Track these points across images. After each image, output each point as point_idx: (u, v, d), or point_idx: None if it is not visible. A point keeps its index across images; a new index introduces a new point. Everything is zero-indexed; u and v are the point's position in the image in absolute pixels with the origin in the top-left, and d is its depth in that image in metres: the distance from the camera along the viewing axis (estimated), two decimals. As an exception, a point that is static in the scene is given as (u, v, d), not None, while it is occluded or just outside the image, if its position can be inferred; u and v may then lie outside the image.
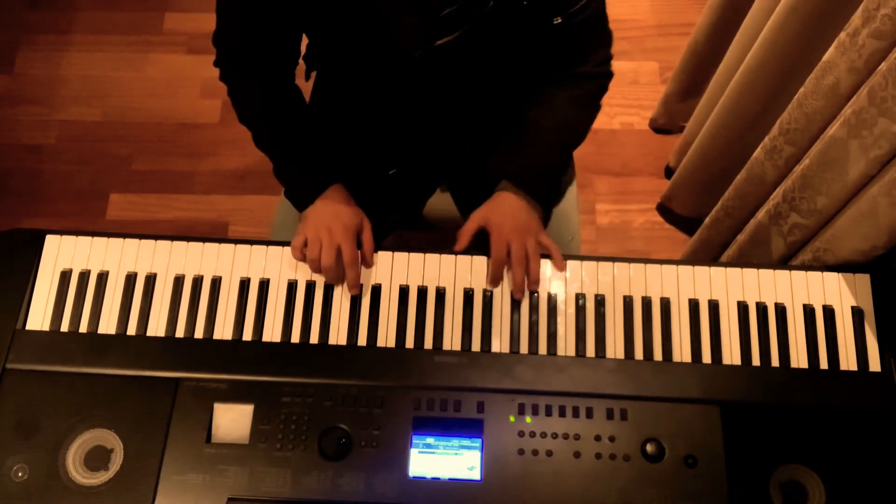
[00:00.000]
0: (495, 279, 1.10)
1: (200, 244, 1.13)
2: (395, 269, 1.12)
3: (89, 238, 1.12)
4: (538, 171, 1.18)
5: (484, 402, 1.02)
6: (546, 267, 1.12)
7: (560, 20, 1.06)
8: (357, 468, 0.98)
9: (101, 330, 1.07)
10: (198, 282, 1.10)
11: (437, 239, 1.69)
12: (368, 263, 1.12)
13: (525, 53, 1.12)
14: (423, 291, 1.10)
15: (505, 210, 1.13)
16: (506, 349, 1.07)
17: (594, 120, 1.22)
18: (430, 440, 1.00)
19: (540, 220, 1.17)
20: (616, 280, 1.11)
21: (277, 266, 1.11)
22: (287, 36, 1.12)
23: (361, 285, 1.10)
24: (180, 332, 1.07)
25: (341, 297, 1.10)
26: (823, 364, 1.06)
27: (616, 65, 1.20)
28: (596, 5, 1.09)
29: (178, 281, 1.10)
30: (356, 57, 1.09)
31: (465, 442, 1.00)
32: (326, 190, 1.14)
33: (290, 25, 1.10)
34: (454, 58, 1.04)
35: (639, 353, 1.07)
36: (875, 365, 1.06)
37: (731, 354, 1.07)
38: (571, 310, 1.09)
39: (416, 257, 1.13)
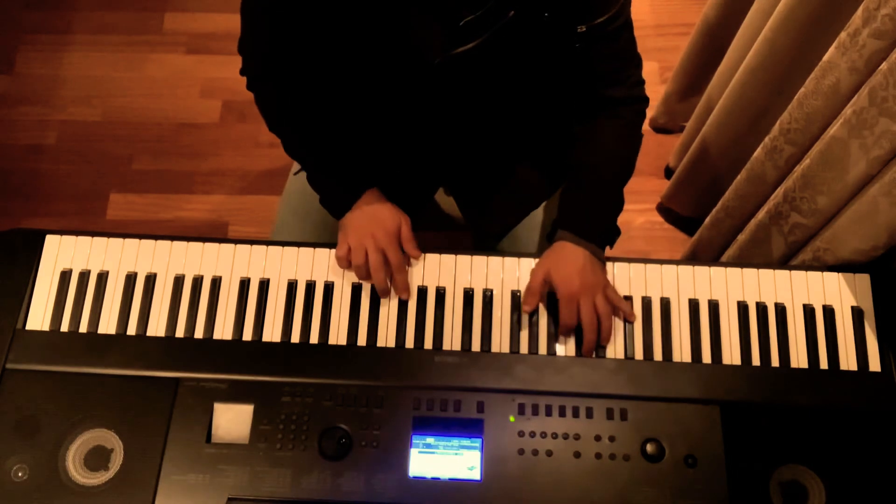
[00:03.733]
0: (565, 340, 1.08)
1: (200, 244, 1.13)
2: (395, 269, 1.12)
3: (89, 238, 1.12)
4: (594, 214, 1.13)
5: (484, 402, 1.02)
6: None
7: (584, 29, 1.03)
8: (357, 468, 0.98)
9: (101, 330, 1.07)
10: (198, 282, 1.10)
11: (438, 239, 1.69)
12: (414, 258, 1.12)
13: (550, 63, 1.09)
14: (423, 291, 1.10)
15: (569, 267, 1.07)
16: (506, 349, 1.07)
17: (639, 148, 1.18)
18: (430, 440, 1.00)
19: (604, 269, 1.11)
20: (616, 280, 1.11)
21: (277, 266, 1.11)
22: (314, 41, 1.10)
23: (362, 284, 1.11)
24: (180, 332, 1.07)
25: (341, 297, 1.10)
26: (823, 364, 1.06)
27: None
28: (625, 19, 1.06)
29: (178, 281, 1.10)
30: (372, 62, 1.08)
31: (465, 442, 1.00)
32: (363, 195, 1.13)
33: (315, 30, 1.09)
34: (474, 66, 1.03)
35: (639, 353, 1.07)
36: (875, 365, 1.06)
37: (731, 354, 1.07)
38: (571, 310, 1.09)
39: (416, 257, 1.13)
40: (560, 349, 1.07)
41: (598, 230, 1.12)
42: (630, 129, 1.15)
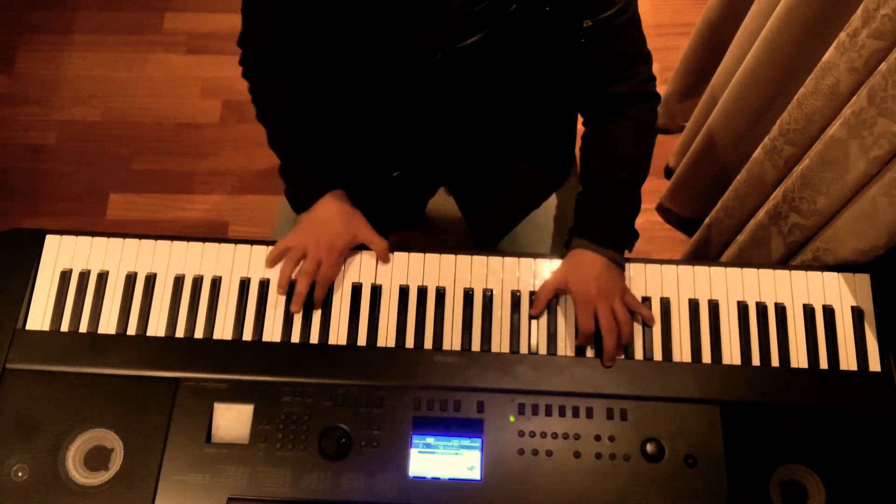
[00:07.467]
0: (574, 344, 1.07)
1: (200, 244, 1.13)
2: (395, 269, 1.12)
3: (89, 238, 1.12)
4: (610, 220, 1.11)
5: (484, 401, 1.03)
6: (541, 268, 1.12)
7: (590, 23, 1.02)
8: (357, 468, 0.98)
9: (101, 330, 1.07)
10: (198, 282, 1.10)
11: (438, 239, 1.69)
12: (385, 261, 1.12)
13: (552, 58, 1.09)
14: (423, 291, 1.10)
15: (586, 274, 1.06)
16: (506, 349, 1.07)
17: (653, 147, 1.15)
18: (430, 440, 1.00)
19: (622, 274, 1.09)
20: (616, 280, 1.11)
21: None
22: (313, 36, 1.10)
23: (361, 284, 1.11)
24: (180, 332, 1.07)
25: (341, 298, 1.10)
26: (823, 364, 1.06)
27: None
28: (631, 14, 1.05)
29: (178, 281, 1.10)
30: (373, 59, 1.08)
31: (465, 442, 1.00)
32: (326, 195, 1.13)
33: (314, 26, 1.08)
34: (475, 61, 1.03)
35: (639, 353, 1.07)
36: (875, 365, 1.06)
37: (731, 354, 1.07)
38: (572, 310, 1.09)
39: (416, 257, 1.13)
40: (560, 349, 1.07)
41: (614, 236, 1.10)
42: (641, 129, 1.13)
